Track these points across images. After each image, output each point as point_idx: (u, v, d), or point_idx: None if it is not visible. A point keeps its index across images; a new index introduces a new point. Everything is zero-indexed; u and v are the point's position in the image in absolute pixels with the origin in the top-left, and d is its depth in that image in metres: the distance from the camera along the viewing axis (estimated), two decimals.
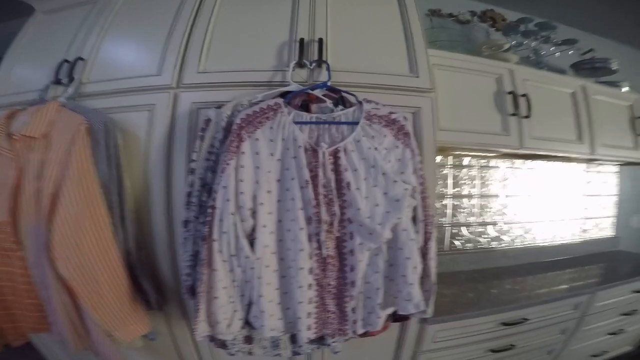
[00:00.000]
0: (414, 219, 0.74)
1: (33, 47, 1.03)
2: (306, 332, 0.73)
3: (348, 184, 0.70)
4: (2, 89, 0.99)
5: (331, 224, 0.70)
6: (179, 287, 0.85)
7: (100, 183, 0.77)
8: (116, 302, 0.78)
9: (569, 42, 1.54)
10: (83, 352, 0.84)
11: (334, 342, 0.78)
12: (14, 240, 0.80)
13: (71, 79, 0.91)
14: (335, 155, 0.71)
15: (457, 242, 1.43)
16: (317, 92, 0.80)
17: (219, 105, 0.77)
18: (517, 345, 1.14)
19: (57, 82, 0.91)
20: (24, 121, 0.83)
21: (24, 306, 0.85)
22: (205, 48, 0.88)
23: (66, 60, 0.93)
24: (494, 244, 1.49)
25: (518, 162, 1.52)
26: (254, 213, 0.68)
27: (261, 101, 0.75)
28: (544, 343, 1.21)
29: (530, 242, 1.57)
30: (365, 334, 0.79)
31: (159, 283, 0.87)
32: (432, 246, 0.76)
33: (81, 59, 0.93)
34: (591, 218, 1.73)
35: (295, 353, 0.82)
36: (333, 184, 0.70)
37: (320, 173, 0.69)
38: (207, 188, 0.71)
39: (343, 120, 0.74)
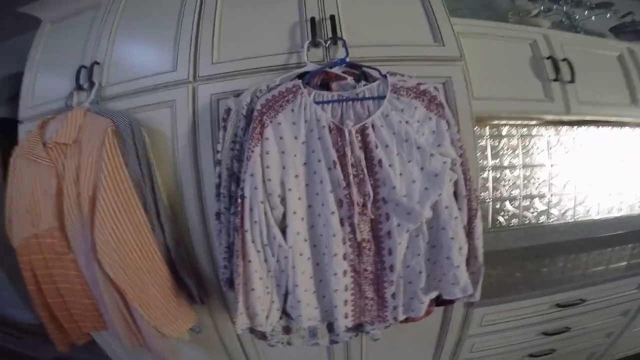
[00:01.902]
0: (456, 195, 0.70)
1: (48, 57, 1.07)
2: (343, 321, 0.71)
3: (379, 161, 0.67)
4: (30, 101, 1.05)
5: (364, 205, 0.68)
6: (218, 280, 0.87)
7: (133, 182, 0.79)
8: (161, 299, 0.81)
9: (604, 5, 1.42)
10: (138, 347, 0.89)
11: (373, 329, 0.76)
12: (65, 244, 0.85)
13: (91, 84, 0.94)
14: (362, 132, 0.68)
15: (500, 218, 1.34)
16: (336, 70, 0.77)
17: (238, 94, 0.77)
18: (572, 327, 1.07)
19: (79, 87, 0.95)
20: (55, 129, 0.88)
21: (83, 306, 0.91)
22: (216, 38, 0.88)
23: (83, 66, 0.96)
24: (542, 219, 1.39)
25: (564, 130, 1.41)
26: (283, 200, 0.67)
27: (279, 85, 0.73)
28: (602, 325, 1.13)
29: (583, 216, 1.45)
30: (406, 320, 0.76)
31: (199, 277, 0.90)
32: (478, 224, 0.71)
33: (97, 63, 0.96)
34: None
35: (333, 342, 0.81)
36: (363, 163, 0.67)
37: (348, 152, 0.67)
38: (235, 178, 0.71)
39: (367, 95, 0.71)
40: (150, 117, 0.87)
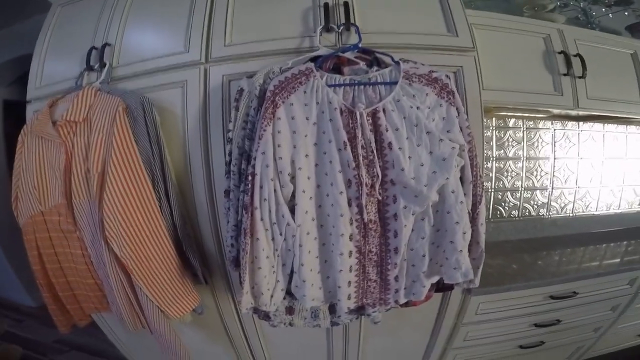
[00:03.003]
0: (462, 181, 0.72)
1: (59, 39, 1.08)
2: (346, 302, 0.73)
3: (389, 143, 0.69)
4: (38, 82, 1.06)
5: (372, 186, 0.69)
6: (222, 260, 0.89)
7: (143, 159, 0.81)
8: (167, 278, 0.83)
9: (623, 3, 1.42)
10: (140, 329, 0.90)
11: (374, 311, 0.78)
12: (71, 222, 0.87)
13: (102, 65, 0.96)
14: (374, 116, 0.70)
15: (501, 209, 1.38)
16: (349, 55, 0.79)
17: (250, 75, 0.78)
18: (563, 320, 1.11)
19: (90, 68, 0.96)
20: (65, 108, 0.89)
21: (86, 286, 0.92)
22: (229, 20, 0.89)
23: (94, 47, 0.98)
24: (542, 212, 1.43)
25: (570, 124, 1.43)
26: (292, 178, 0.69)
27: (292, 67, 0.75)
28: (592, 319, 1.18)
29: (582, 211, 1.49)
30: (407, 304, 0.78)
31: (204, 257, 0.92)
32: (482, 210, 0.73)
33: (108, 44, 0.97)
34: None
35: (334, 323, 0.83)
36: (373, 145, 0.69)
37: (359, 134, 0.69)
38: (246, 156, 0.73)
39: (379, 80, 0.73)
40: (161, 97, 0.89)
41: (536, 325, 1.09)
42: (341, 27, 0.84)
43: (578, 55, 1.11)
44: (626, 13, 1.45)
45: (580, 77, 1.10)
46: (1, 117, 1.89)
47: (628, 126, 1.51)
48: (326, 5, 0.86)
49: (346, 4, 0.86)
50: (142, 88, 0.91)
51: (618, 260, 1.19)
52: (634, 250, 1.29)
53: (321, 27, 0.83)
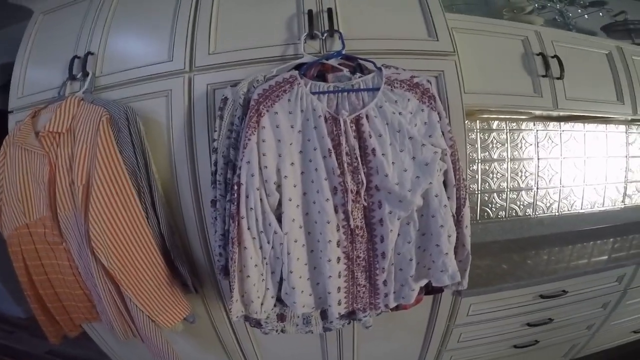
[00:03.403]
0: (445, 185, 0.74)
1: (41, 47, 1.07)
2: (336, 307, 0.74)
3: (373, 149, 0.70)
4: (20, 91, 1.04)
5: (357, 192, 0.71)
6: (212, 269, 0.89)
7: (128, 170, 0.81)
8: (155, 288, 0.83)
9: (598, 4, 1.48)
10: (131, 338, 0.90)
11: (365, 316, 0.79)
12: (57, 234, 0.86)
13: (85, 74, 0.95)
14: (357, 122, 0.71)
15: (488, 210, 1.41)
16: (332, 62, 0.80)
17: (235, 84, 0.78)
18: (555, 319, 1.13)
19: (72, 78, 0.95)
20: (48, 118, 0.88)
21: (75, 297, 0.92)
22: (213, 29, 0.89)
23: (77, 57, 0.97)
24: (528, 212, 1.46)
25: (551, 125, 1.47)
26: (278, 187, 0.70)
27: (276, 75, 0.76)
28: (583, 317, 1.20)
29: (568, 210, 1.53)
30: (397, 308, 0.79)
31: (193, 266, 0.92)
32: (467, 213, 0.75)
33: (91, 53, 0.96)
34: (635, 182, 1.64)
35: (327, 329, 0.84)
36: (357, 151, 0.70)
37: (343, 141, 0.70)
38: (231, 165, 0.73)
39: (362, 87, 0.74)
40: (145, 106, 0.89)
41: (529, 324, 1.11)
42: (325, 34, 0.85)
43: (556, 56, 1.14)
44: (601, 14, 1.50)
45: (558, 78, 1.13)
46: None
47: (607, 125, 1.55)
48: (310, 12, 0.87)
49: (330, 11, 0.87)
50: (126, 97, 0.90)
51: (605, 257, 1.22)
52: (620, 247, 1.32)
53: (305, 34, 0.84)
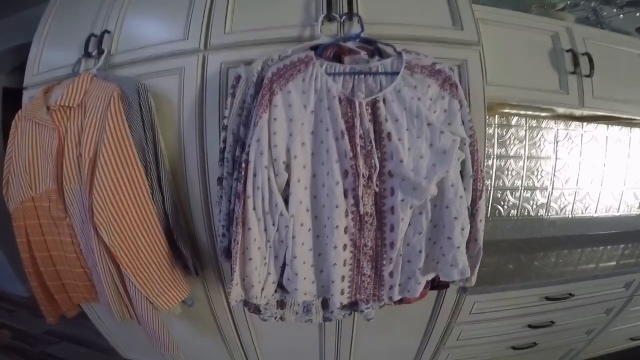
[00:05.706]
0: (462, 175, 0.71)
1: (59, 27, 1.10)
2: (339, 297, 0.72)
3: (389, 134, 0.68)
4: (36, 69, 1.07)
5: (369, 177, 0.69)
6: (215, 251, 0.88)
7: (136, 145, 0.81)
8: (156, 268, 0.83)
9: (635, 4, 1.42)
10: (128, 320, 0.90)
11: (367, 308, 0.77)
12: (62, 208, 0.87)
13: (100, 52, 0.97)
14: (373, 106, 0.70)
15: (500, 208, 1.39)
16: (350, 44, 0.78)
17: (249, 62, 0.78)
18: (557, 322, 1.12)
19: (87, 55, 0.97)
20: (60, 93, 0.90)
21: (75, 275, 0.93)
22: (230, 8, 0.90)
23: (93, 35, 0.99)
24: (541, 212, 1.44)
25: (573, 125, 1.44)
26: (287, 167, 0.68)
27: (291, 55, 0.75)
28: (585, 322, 1.19)
29: (581, 212, 1.50)
30: (401, 301, 0.77)
31: (195, 248, 0.91)
32: (482, 206, 0.72)
33: (107, 32, 0.98)
34: None
35: (327, 319, 0.82)
36: (371, 135, 0.69)
37: (357, 124, 0.68)
38: (240, 143, 0.73)
39: (381, 70, 0.72)
40: (158, 84, 0.89)
41: (530, 326, 1.10)
42: (343, 17, 0.84)
43: (586, 53, 1.10)
44: (638, 14, 1.45)
45: (587, 76, 1.10)
46: (0, 104, 1.91)
47: (632, 129, 1.51)
48: None
49: None
50: (140, 75, 0.91)
51: (614, 263, 1.20)
52: (631, 253, 1.30)
53: (323, 16, 0.83)
